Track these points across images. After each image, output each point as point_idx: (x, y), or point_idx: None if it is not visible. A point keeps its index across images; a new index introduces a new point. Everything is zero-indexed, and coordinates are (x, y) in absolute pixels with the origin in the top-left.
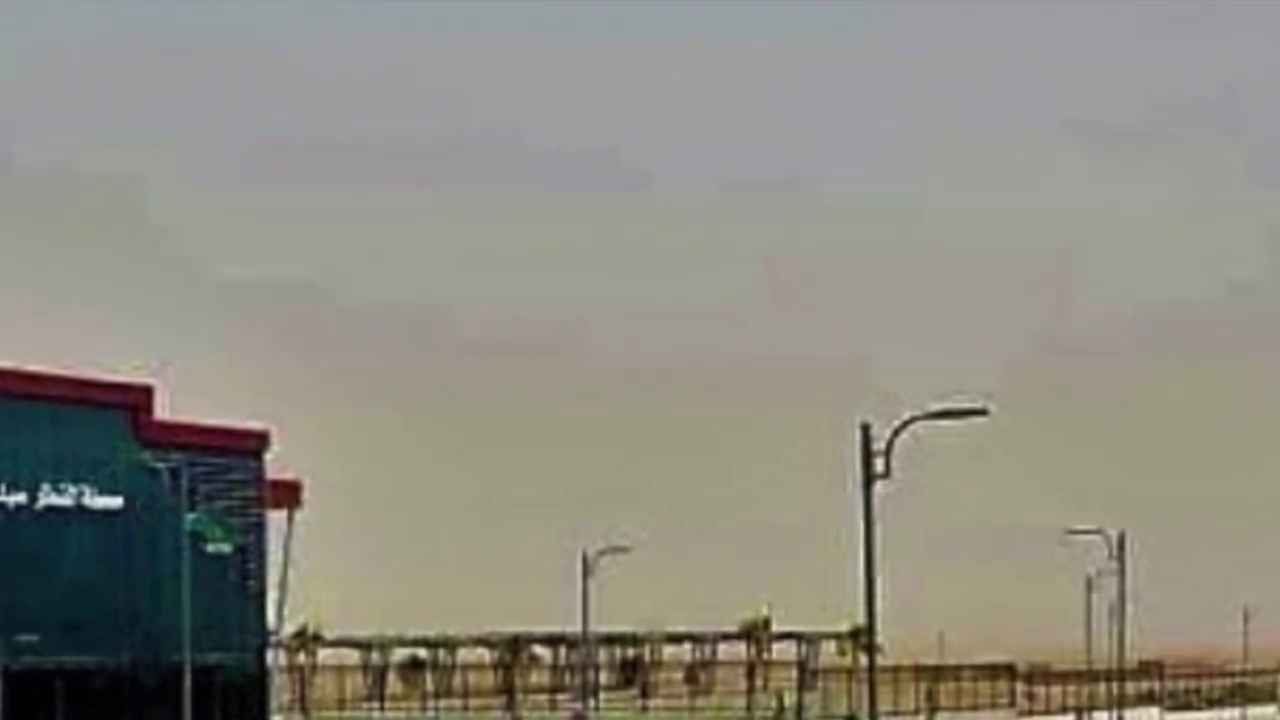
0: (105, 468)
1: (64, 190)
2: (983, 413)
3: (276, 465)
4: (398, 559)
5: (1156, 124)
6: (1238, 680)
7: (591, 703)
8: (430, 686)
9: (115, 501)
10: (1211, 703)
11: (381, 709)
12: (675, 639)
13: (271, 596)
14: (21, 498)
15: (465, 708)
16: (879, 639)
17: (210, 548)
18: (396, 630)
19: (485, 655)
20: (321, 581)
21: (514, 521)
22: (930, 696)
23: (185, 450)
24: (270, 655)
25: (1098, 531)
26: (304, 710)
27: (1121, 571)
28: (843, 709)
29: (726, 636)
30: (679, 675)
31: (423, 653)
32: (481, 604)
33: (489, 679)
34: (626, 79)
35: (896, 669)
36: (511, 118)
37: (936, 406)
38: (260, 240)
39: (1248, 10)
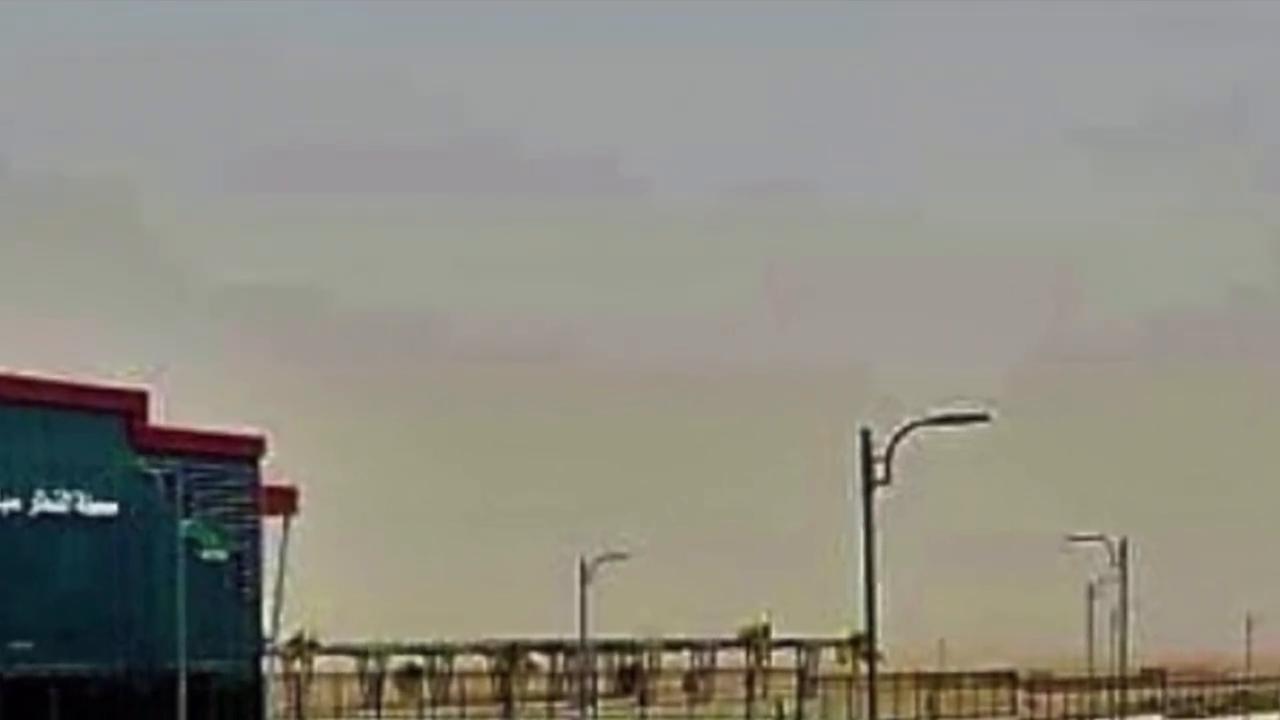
0: (99, 474)
1: (57, 196)
2: (984, 418)
3: (272, 471)
4: (395, 566)
5: (1160, 129)
6: (1241, 688)
7: (590, 710)
8: (427, 694)
9: (109, 508)
10: (1214, 711)
11: (378, 717)
12: (674, 646)
13: (267, 604)
14: (15, 504)
15: (463, 715)
16: (879, 646)
17: (205, 554)
18: (393, 637)
19: (483, 663)
20: (318, 588)
21: (512, 528)
22: (931, 704)
23: (180, 456)
24: (266, 663)
25: (1100, 538)
26: (300, 718)
27: (1124, 578)
28: (843, 717)
29: (726, 644)
30: (678, 683)
31: (420, 660)
32: (479, 611)
33: (486, 686)
34: (624, 84)
35: (897, 677)
36: (508, 123)
37: (938, 412)
38: (255, 246)
39: (1254, 14)
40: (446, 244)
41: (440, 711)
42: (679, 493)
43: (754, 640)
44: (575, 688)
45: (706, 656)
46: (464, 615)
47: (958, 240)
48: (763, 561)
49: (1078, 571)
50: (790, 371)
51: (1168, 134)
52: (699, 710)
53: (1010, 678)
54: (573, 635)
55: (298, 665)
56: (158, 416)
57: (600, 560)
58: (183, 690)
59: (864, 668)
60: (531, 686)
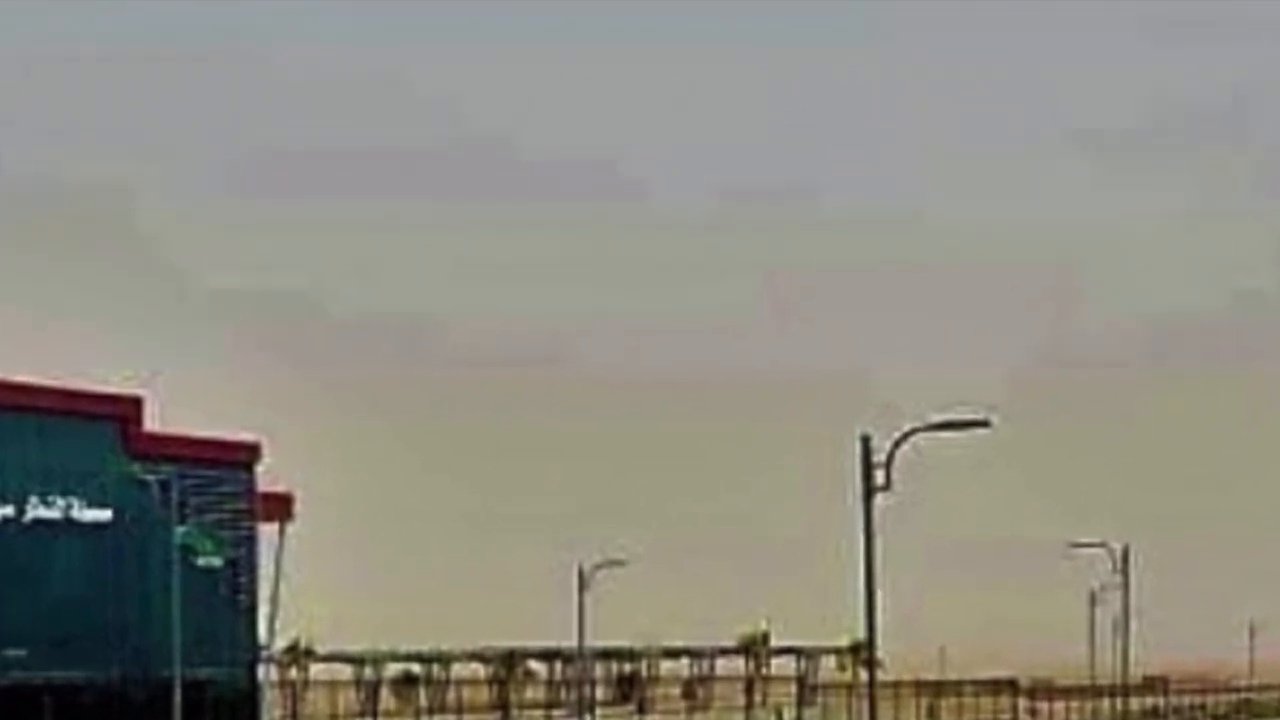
0: (94, 480)
1: (52, 199)
2: (985, 424)
3: (268, 478)
4: (391, 572)
5: (1161, 130)
6: (1244, 695)
7: (588, 718)
8: (424, 702)
9: (104, 514)
10: (1217, 718)
11: None
12: (673, 654)
13: (263, 610)
14: (9, 510)
15: None
16: (879, 654)
17: (201, 561)
18: (390, 645)
19: (480, 670)
20: (314, 595)
21: (509, 535)
22: (931, 712)
23: (175, 462)
24: (262, 670)
25: (1102, 545)
26: None
27: (1126, 585)
28: None
29: (725, 651)
30: (676, 690)
31: (416, 668)
32: (476, 618)
33: (484, 694)
34: (622, 87)
35: (897, 684)
36: (505, 126)
37: (938, 418)
38: (250, 250)
39: (1254, 14)
40: (444, 248)
41: (437, 719)
42: (678, 498)
43: (753, 647)
44: (573, 695)
45: (705, 664)
46: (461, 622)
47: (957, 243)
48: (762, 568)
49: (1079, 578)
50: (790, 376)
51: (1168, 135)
52: (698, 718)
53: (1011, 685)
54: (571, 642)
55: (293, 672)
56: (153, 422)
57: (598, 567)
58: (177, 698)
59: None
60: (529, 694)
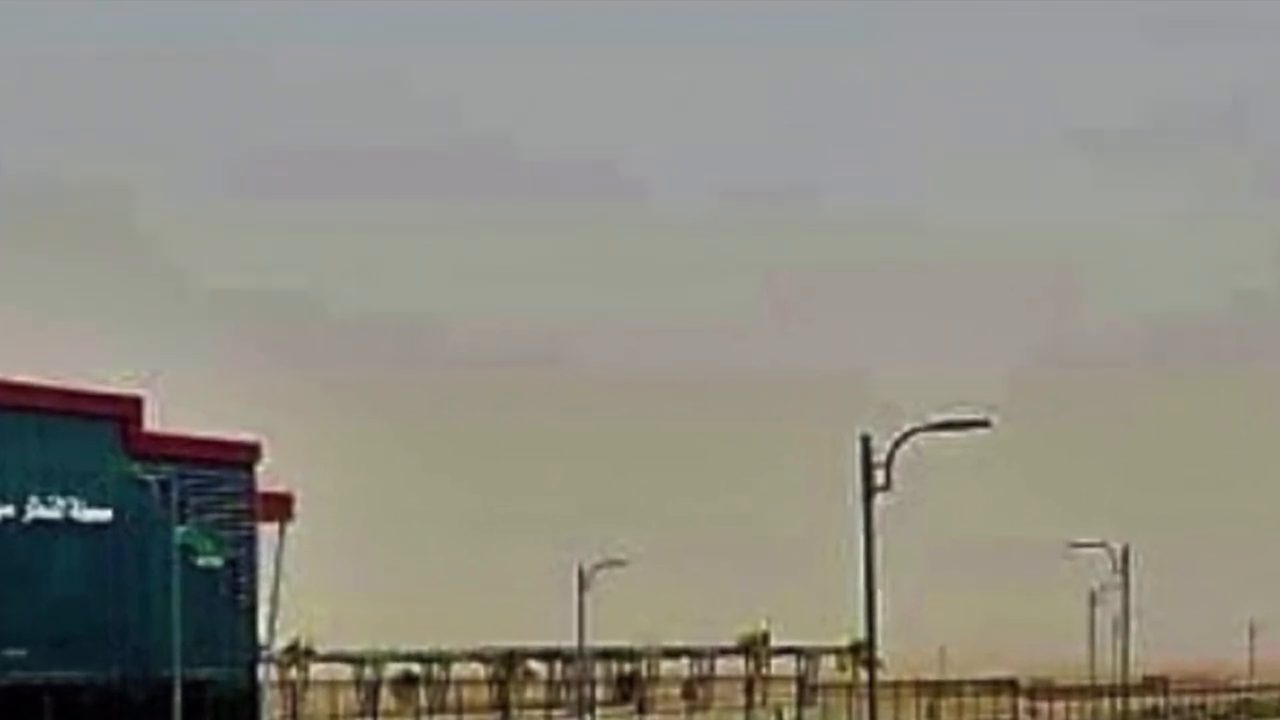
0: (94, 480)
1: (52, 199)
2: (985, 424)
3: (268, 478)
4: (391, 572)
5: (1161, 131)
6: (1244, 695)
7: (588, 718)
8: (424, 702)
9: (104, 514)
10: (1217, 718)
11: None
12: (673, 654)
13: (263, 611)
14: (9, 511)
15: None
16: (879, 654)
17: (201, 561)
18: (390, 645)
19: (480, 670)
20: (314, 595)
21: (509, 535)
22: (931, 712)
23: (175, 462)
24: (262, 670)
25: (1102, 545)
26: None
27: (1126, 585)
28: None
29: (725, 651)
30: (676, 690)
31: (416, 668)
32: (476, 618)
33: (484, 694)
34: (622, 87)
35: (897, 684)
36: (505, 126)
37: (938, 418)
38: (250, 250)
39: (1254, 14)
40: (443, 249)
41: (437, 719)
42: (678, 499)
43: (753, 647)
44: (573, 695)
45: (705, 664)
46: (461, 622)
47: (957, 243)
48: (762, 568)
49: (1079, 578)
50: (790, 376)
51: (1168, 135)
52: (698, 718)
53: (1011, 685)
54: (571, 642)
55: (293, 673)
56: (153, 422)
57: (598, 567)
58: (178, 698)
59: (864, 675)
60: (529, 694)
